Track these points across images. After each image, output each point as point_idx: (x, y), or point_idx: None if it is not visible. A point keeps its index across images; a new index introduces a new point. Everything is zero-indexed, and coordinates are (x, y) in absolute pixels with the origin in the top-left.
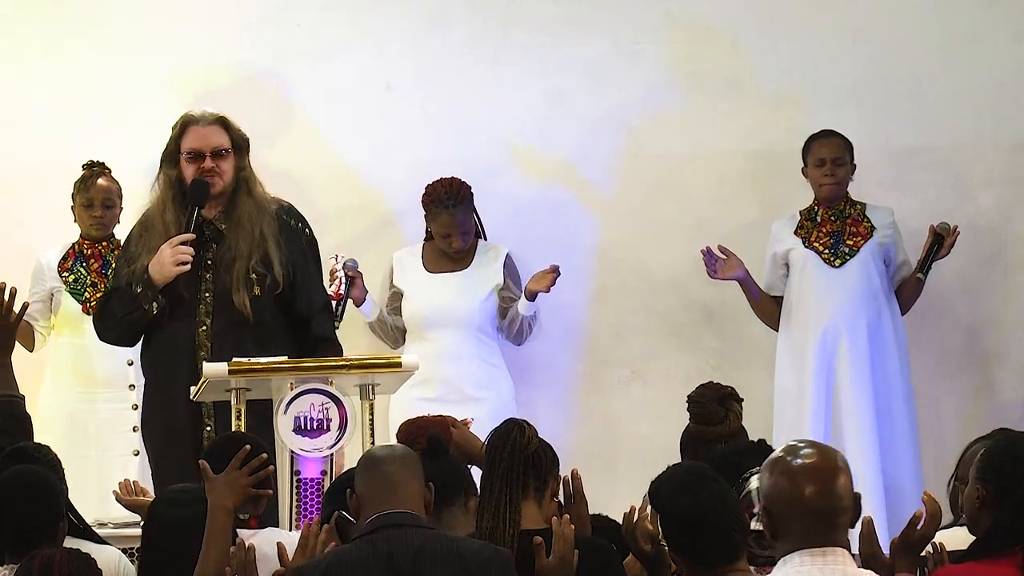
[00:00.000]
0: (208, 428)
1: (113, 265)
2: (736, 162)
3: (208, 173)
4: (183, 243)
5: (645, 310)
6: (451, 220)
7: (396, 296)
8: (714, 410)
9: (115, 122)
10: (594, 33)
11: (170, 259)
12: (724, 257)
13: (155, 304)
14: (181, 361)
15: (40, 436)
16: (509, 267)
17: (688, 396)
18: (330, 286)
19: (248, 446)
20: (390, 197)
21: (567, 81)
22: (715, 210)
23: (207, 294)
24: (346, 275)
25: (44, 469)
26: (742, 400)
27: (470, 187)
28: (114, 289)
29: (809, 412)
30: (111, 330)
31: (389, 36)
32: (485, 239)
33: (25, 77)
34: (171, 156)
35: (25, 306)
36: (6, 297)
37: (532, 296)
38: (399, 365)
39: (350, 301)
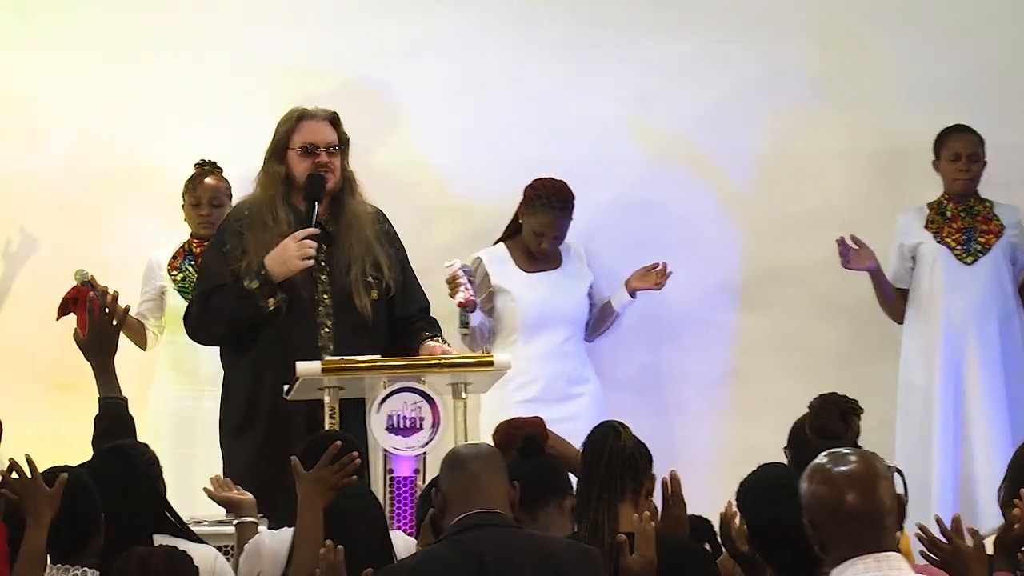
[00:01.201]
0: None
1: None
2: (829, 161)
3: (323, 168)
4: (306, 238)
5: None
6: (552, 222)
7: (491, 297)
8: (836, 425)
9: (221, 122)
10: (684, 32)
11: (296, 253)
12: (856, 248)
13: (271, 300)
14: (301, 356)
15: (149, 435)
16: (589, 264)
17: (809, 405)
18: (455, 294)
19: (339, 443)
20: (484, 197)
21: (658, 80)
22: (799, 211)
23: (325, 296)
24: (469, 280)
25: (81, 472)
26: (862, 412)
27: (574, 196)
28: (215, 287)
29: (937, 408)
30: (212, 328)
31: (480, 35)
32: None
33: (137, 78)
34: (279, 151)
35: (127, 310)
36: (109, 301)
37: (633, 293)
38: (491, 364)
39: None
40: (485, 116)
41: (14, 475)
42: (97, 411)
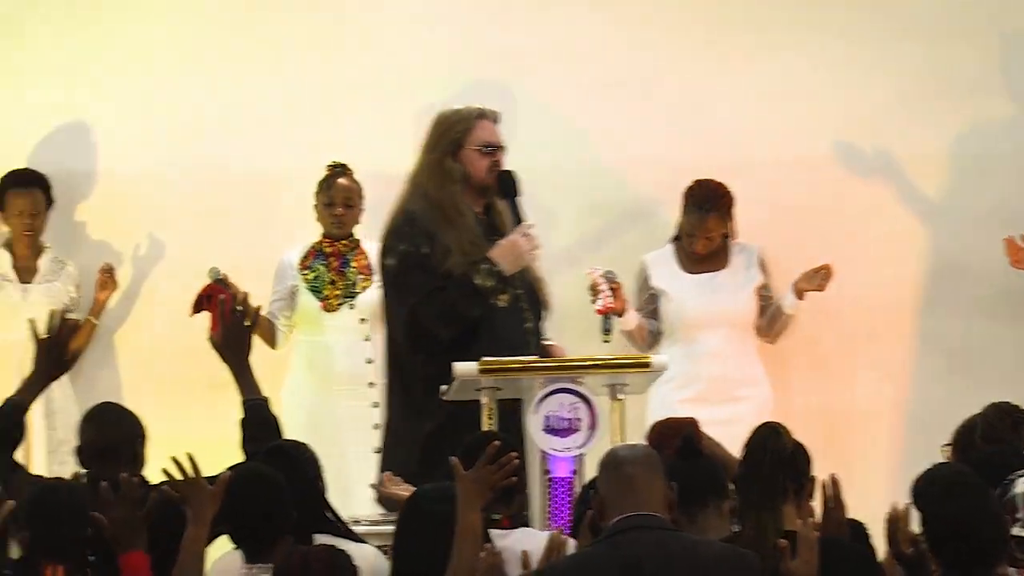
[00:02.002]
0: None
1: (353, 264)
2: (1001, 160)
3: (497, 167)
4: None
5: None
6: (699, 223)
7: (653, 298)
8: (1007, 436)
9: (353, 124)
10: (829, 33)
11: (528, 248)
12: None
13: (503, 297)
14: (520, 354)
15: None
16: (764, 266)
17: (982, 412)
18: (595, 301)
19: (497, 443)
20: (625, 197)
21: (801, 81)
22: (975, 210)
23: (519, 291)
24: (610, 287)
25: (267, 467)
26: None
27: (731, 195)
28: (433, 291)
29: None
30: (438, 332)
31: (610, 35)
32: (734, 239)
33: (267, 80)
34: (453, 148)
35: (258, 309)
36: (240, 301)
37: (801, 295)
38: (648, 365)
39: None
40: (637, 116)
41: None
42: (241, 414)
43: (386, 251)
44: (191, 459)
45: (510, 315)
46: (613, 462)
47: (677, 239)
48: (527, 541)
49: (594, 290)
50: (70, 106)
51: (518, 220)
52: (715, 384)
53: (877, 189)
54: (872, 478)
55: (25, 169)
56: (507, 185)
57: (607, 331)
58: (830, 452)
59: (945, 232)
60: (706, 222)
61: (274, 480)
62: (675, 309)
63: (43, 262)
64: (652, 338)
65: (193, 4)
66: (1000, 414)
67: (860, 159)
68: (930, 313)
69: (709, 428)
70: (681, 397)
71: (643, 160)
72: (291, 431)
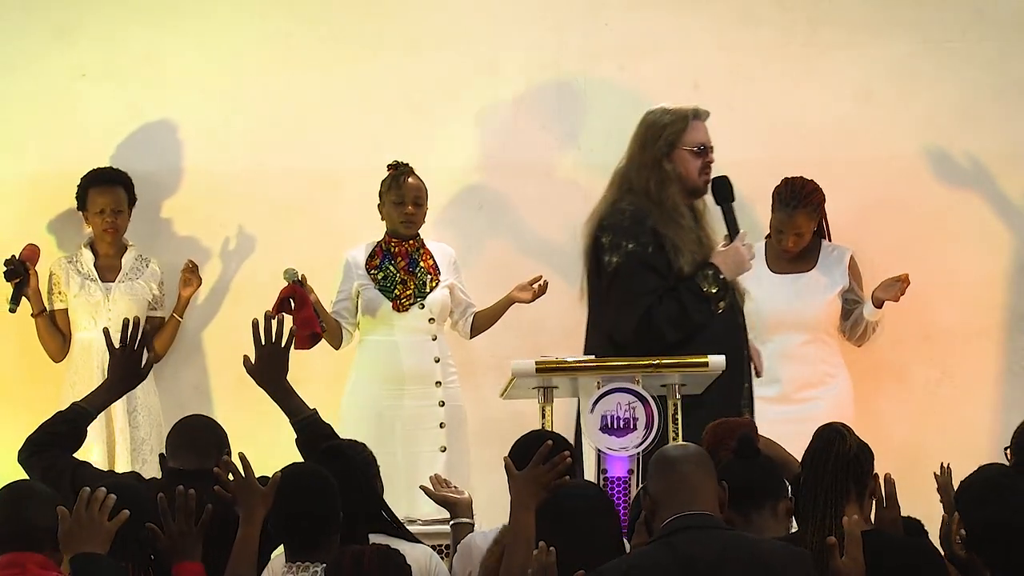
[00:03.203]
0: (745, 415)
1: (421, 264)
2: None
3: (709, 169)
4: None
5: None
6: (787, 220)
7: None
8: None
9: (420, 122)
10: (904, 31)
11: (748, 256)
12: None
13: (721, 304)
14: (734, 352)
15: (347, 434)
16: (853, 269)
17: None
18: None
19: (549, 442)
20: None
21: (876, 80)
22: None
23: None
24: None
25: (315, 466)
26: None
27: (821, 192)
28: (670, 291)
29: None
30: (663, 334)
31: (696, 35)
32: (829, 240)
33: (328, 79)
34: (667, 148)
35: (293, 332)
36: (275, 325)
37: (879, 303)
38: (706, 365)
39: None
40: (724, 116)
41: (230, 475)
42: (296, 435)
43: (608, 248)
44: (243, 459)
45: (728, 313)
46: (664, 462)
47: (769, 237)
48: None
49: None
50: (155, 104)
51: (733, 226)
52: (792, 384)
53: (964, 190)
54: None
55: (107, 167)
56: (722, 190)
57: None
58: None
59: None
60: (795, 219)
61: (320, 479)
62: (754, 309)
63: (126, 260)
64: None
65: (275, 5)
66: None
67: (945, 159)
68: (1018, 322)
69: (786, 426)
70: (760, 395)
71: (733, 160)
72: (355, 430)
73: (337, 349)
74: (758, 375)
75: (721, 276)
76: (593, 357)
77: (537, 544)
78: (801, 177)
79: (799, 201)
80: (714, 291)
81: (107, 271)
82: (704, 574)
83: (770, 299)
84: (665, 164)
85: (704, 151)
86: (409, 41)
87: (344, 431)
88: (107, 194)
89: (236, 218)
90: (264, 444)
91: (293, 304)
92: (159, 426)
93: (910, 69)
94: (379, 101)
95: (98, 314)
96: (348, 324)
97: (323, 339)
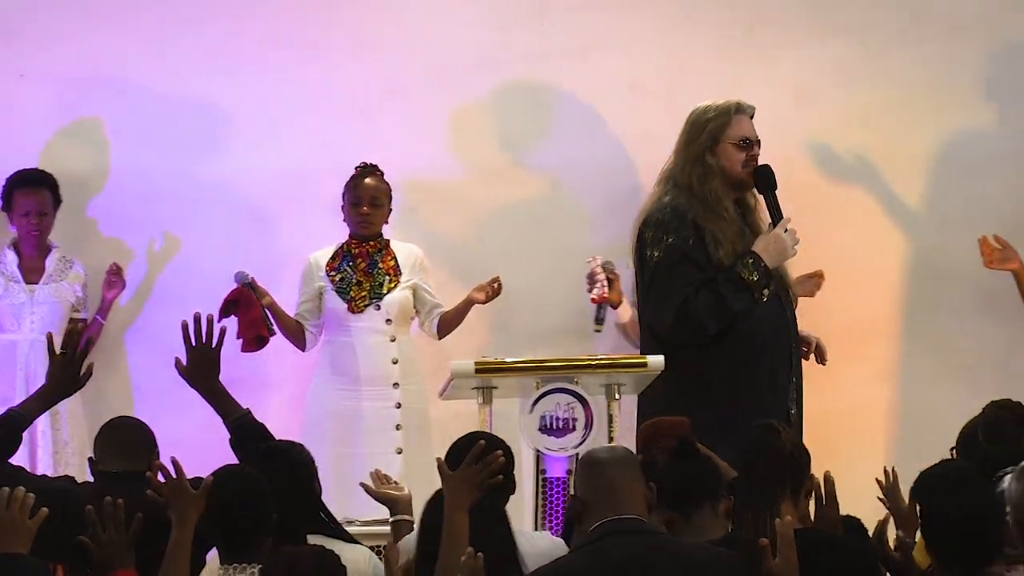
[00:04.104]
0: (792, 412)
1: (380, 265)
2: (990, 164)
3: (755, 161)
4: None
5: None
6: None
7: None
8: (1011, 432)
9: (363, 124)
10: (842, 32)
11: (791, 243)
12: (999, 247)
13: (766, 291)
14: (778, 345)
15: (308, 435)
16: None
17: (983, 410)
18: (591, 290)
19: (482, 442)
20: (639, 196)
21: (815, 81)
22: (964, 210)
23: (776, 283)
24: (607, 278)
25: (247, 467)
26: None
27: None
28: (708, 282)
29: None
30: (702, 326)
31: (637, 35)
32: None
33: (272, 80)
34: (711, 142)
35: (223, 332)
36: (204, 325)
37: (795, 300)
38: (645, 365)
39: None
40: (643, 117)
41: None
42: (229, 436)
43: (650, 243)
44: (175, 463)
45: (772, 305)
46: (591, 465)
47: None
48: (519, 542)
49: (591, 279)
50: (84, 104)
51: (776, 213)
52: None
53: (859, 192)
54: (859, 478)
55: (33, 169)
56: (764, 179)
57: (599, 320)
58: (819, 453)
59: (926, 234)
60: None
61: (253, 480)
62: None
63: (50, 262)
64: None
65: (219, 5)
66: (1001, 412)
67: (838, 162)
68: (915, 314)
69: None
70: None
71: (656, 160)
72: (316, 430)
73: (304, 351)
74: (822, 363)
75: (762, 264)
76: (531, 357)
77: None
78: None
79: None
80: (755, 279)
81: (31, 272)
82: None
83: None
84: (708, 158)
85: (748, 144)
86: (353, 42)
87: (307, 431)
88: (32, 196)
89: (163, 219)
90: (191, 446)
91: (240, 306)
92: (82, 428)
93: (848, 70)
94: (322, 102)
95: (21, 316)
96: (312, 326)
97: (293, 341)
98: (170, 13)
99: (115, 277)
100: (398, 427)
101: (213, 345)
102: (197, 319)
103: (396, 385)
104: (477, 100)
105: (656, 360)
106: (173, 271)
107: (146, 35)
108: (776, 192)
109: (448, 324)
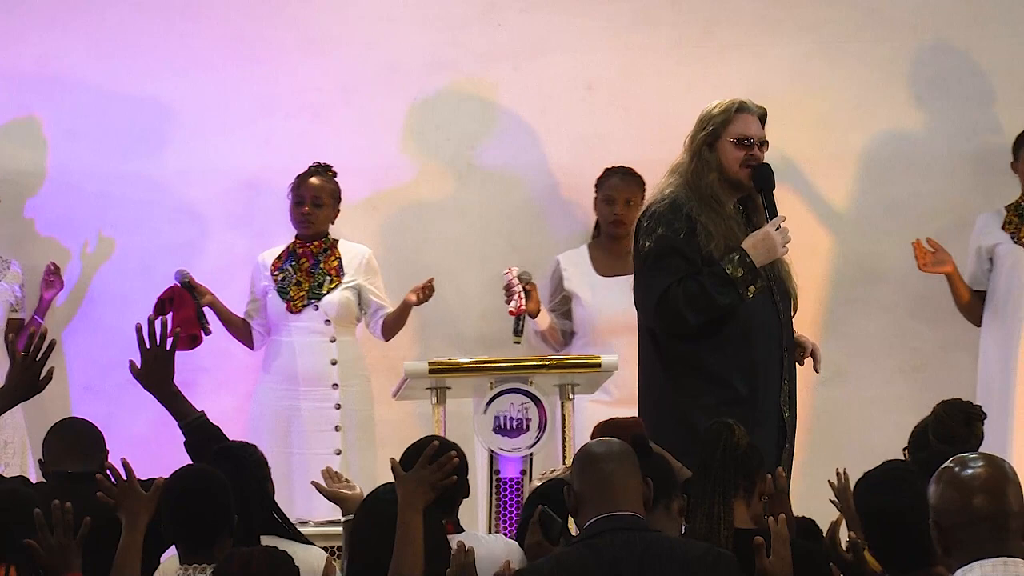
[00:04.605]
0: (786, 415)
1: (322, 265)
2: (965, 158)
3: (754, 161)
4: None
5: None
6: (621, 184)
7: (565, 300)
8: (960, 431)
9: (315, 124)
10: (798, 31)
11: (780, 241)
12: (932, 251)
13: (752, 288)
14: (768, 347)
15: (249, 434)
16: None
17: (933, 410)
18: (509, 301)
19: (436, 442)
20: (591, 198)
21: (771, 80)
22: (920, 207)
23: (771, 283)
24: (525, 289)
25: (208, 467)
26: (985, 417)
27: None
28: (686, 276)
29: (1016, 407)
30: (685, 317)
31: (591, 36)
32: None
33: (224, 80)
34: (711, 139)
35: (177, 334)
36: (158, 328)
37: None
38: (599, 365)
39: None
40: (597, 117)
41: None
42: (184, 438)
43: (645, 233)
44: (125, 464)
45: (763, 305)
46: (588, 459)
47: (594, 239)
48: (469, 543)
49: (508, 291)
50: (21, 104)
51: (772, 213)
52: (628, 387)
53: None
54: (814, 479)
55: None
56: (761, 177)
57: (518, 332)
58: None
59: (852, 235)
60: (625, 184)
61: (213, 480)
62: (585, 312)
63: None
64: (564, 339)
65: (171, 5)
66: (951, 411)
67: (800, 159)
68: (840, 314)
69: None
70: (595, 399)
71: (627, 160)
72: (258, 430)
73: (253, 349)
74: (816, 371)
75: (748, 260)
76: (485, 357)
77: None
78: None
79: (630, 171)
80: (740, 274)
81: None
82: None
83: (602, 303)
84: (705, 153)
85: (748, 144)
86: (305, 42)
87: (251, 431)
88: None
89: (100, 220)
90: (136, 445)
91: (174, 304)
92: (21, 428)
93: (804, 69)
94: (271, 102)
95: None
96: (258, 324)
97: (240, 339)
98: (112, 12)
99: (53, 277)
100: (337, 428)
101: (168, 348)
102: (151, 322)
103: (335, 386)
104: (427, 100)
105: (610, 360)
106: (112, 271)
107: (86, 34)
108: (772, 192)
109: (390, 326)
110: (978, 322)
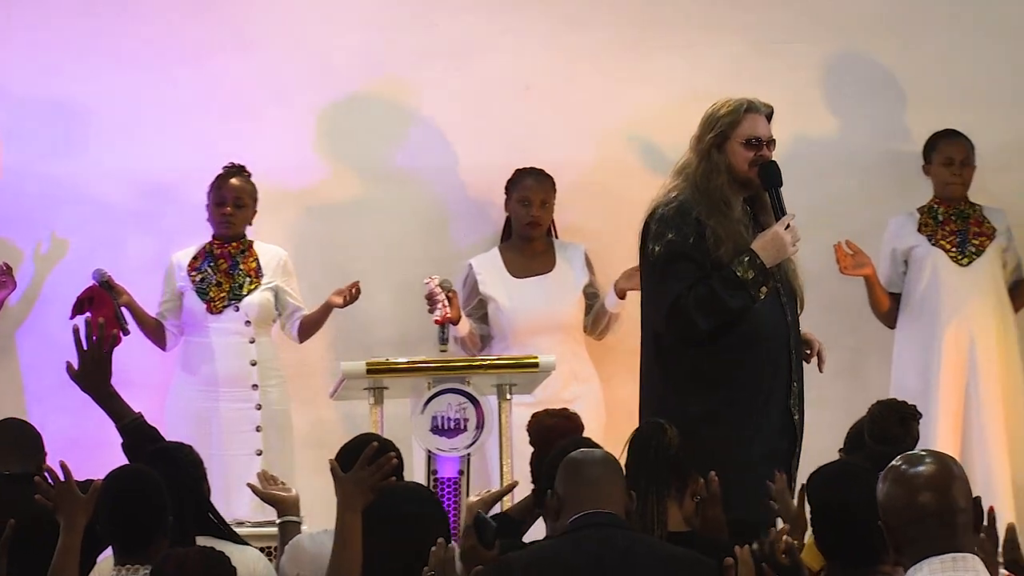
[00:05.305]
0: (796, 417)
1: (241, 266)
2: (877, 161)
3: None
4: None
5: None
6: (535, 185)
7: (481, 304)
8: (895, 431)
9: (251, 123)
10: (733, 32)
11: (790, 241)
12: (852, 253)
13: (764, 289)
14: (775, 348)
15: (169, 435)
16: (589, 264)
17: (869, 411)
18: (433, 311)
19: (375, 443)
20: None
21: (707, 81)
22: (849, 208)
23: (778, 283)
24: (447, 296)
25: (143, 467)
26: (920, 417)
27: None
28: (703, 278)
29: (938, 410)
30: (696, 322)
31: (528, 36)
32: (556, 237)
33: (158, 79)
34: (720, 140)
35: (115, 336)
36: (96, 330)
37: (623, 294)
38: (536, 365)
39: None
40: (532, 119)
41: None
42: (122, 439)
43: (653, 237)
44: (63, 466)
45: (770, 306)
46: (573, 464)
47: (504, 240)
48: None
49: (431, 300)
50: None
51: (780, 211)
52: (548, 387)
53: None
54: None
55: None
56: (768, 176)
57: (444, 340)
58: None
59: None
60: (539, 185)
61: (147, 481)
62: (502, 315)
63: None
64: (483, 343)
65: (105, 4)
66: (886, 411)
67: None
68: None
69: None
70: (517, 401)
71: (563, 161)
72: (176, 431)
73: (164, 351)
74: (820, 370)
75: (758, 261)
76: (424, 357)
77: (366, 544)
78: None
79: (541, 172)
80: (750, 276)
81: None
82: (609, 572)
83: (520, 305)
84: (715, 155)
85: (757, 144)
86: (240, 41)
87: (166, 433)
88: None
89: (51, 220)
90: (84, 447)
91: (92, 304)
92: None
93: (739, 70)
94: (209, 102)
95: None
96: (172, 326)
97: (153, 340)
98: (54, 11)
99: (5, 277)
100: (258, 428)
101: (105, 350)
102: (88, 323)
103: (255, 387)
104: (356, 101)
105: (548, 360)
106: (62, 272)
107: (21, 33)
108: (779, 190)
109: (308, 328)
110: (893, 324)
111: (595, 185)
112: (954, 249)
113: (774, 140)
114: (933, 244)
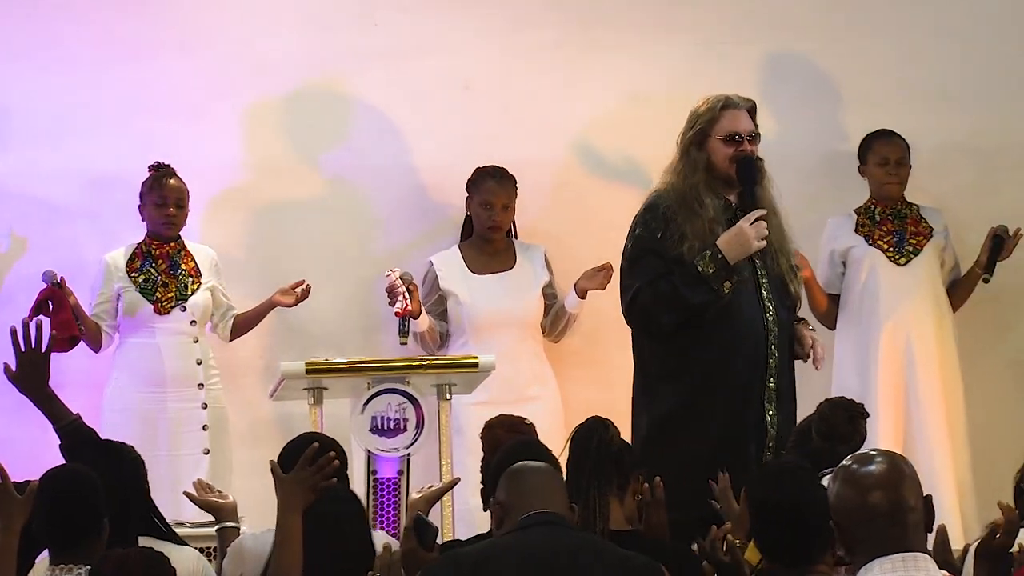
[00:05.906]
0: (771, 414)
1: (182, 266)
2: (815, 162)
3: (746, 155)
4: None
5: None
6: (495, 188)
7: (441, 300)
8: (843, 429)
9: (190, 124)
10: (676, 32)
11: (754, 236)
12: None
13: (727, 284)
14: (750, 345)
15: (110, 435)
16: (548, 265)
17: (817, 408)
18: (393, 303)
19: (316, 444)
20: (457, 198)
21: (650, 82)
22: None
23: (764, 279)
24: (408, 289)
25: (80, 466)
26: (868, 416)
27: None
28: (659, 275)
29: (877, 410)
30: (659, 317)
31: (468, 36)
32: (516, 238)
33: (97, 79)
34: (700, 138)
35: (53, 337)
36: (33, 331)
37: (583, 294)
38: (476, 365)
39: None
40: (477, 118)
41: None
42: (60, 441)
43: (628, 232)
44: (0, 468)
45: (747, 304)
46: (515, 472)
47: (464, 238)
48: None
49: (391, 293)
50: None
51: (750, 207)
52: (506, 385)
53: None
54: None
55: None
56: (744, 171)
57: (404, 333)
58: None
59: None
60: (501, 188)
61: (83, 481)
62: (462, 311)
63: None
64: (442, 339)
65: (44, 4)
66: (835, 409)
67: (621, 161)
68: None
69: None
70: (474, 400)
71: (505, 160)
72: (118, 432)
73: (97, 352)
74: (816, 368)
75: (720, 256)
76: (363, 357)
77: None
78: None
79: (504, 173)
80: (712, 271)
81: None
82: (558, 569)
83: (480, 301)
84: (693, 153)
85: (737, 140)
86: (178, 41)
87: (106, 434)
88: None
89: (5, 219)
90: (21, 449)
91: (52, 306)
92: None
93: (682, 70)
94: (148, 101)
95: None
96: (108, 327)
97: (82, 342)
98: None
99: None
100: (204, 427)
101: (43, 351)
102: (26, 324)
103: (201, 385)
104: (296, 99)
105: (487, 360)
106: (17, 272)
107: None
108: (757, 186)
109: (242, 327)
110: (833, 325)
111: (541, 185)
112: (891, 249)
113: (758, 134)
114: (871, 244)
